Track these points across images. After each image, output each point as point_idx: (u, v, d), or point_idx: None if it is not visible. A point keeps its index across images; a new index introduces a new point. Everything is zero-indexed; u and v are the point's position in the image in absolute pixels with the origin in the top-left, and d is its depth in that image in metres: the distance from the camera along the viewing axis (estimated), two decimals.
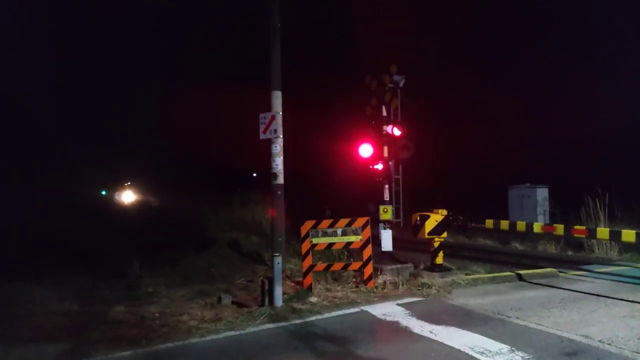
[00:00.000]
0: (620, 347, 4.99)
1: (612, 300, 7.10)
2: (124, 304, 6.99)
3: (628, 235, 7.10)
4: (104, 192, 53.93)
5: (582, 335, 5.38)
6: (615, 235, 7.53)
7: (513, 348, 4.99)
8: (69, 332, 5.74)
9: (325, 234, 7.88)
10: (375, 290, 7.61)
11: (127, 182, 64.66)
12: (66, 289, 7.89)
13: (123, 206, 44.17)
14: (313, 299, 7.08)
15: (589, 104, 27.68)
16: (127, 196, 62.91)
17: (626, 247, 11.54)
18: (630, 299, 7.09)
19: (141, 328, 5.82)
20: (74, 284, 8.33)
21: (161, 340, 5.39)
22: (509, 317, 6.21)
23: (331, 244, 7.96)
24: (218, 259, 11.06)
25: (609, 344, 5.09)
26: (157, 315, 6.36)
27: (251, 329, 5.82)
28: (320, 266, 8.02)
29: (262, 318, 6.15)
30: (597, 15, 31.89)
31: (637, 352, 4.84)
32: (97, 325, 5.94)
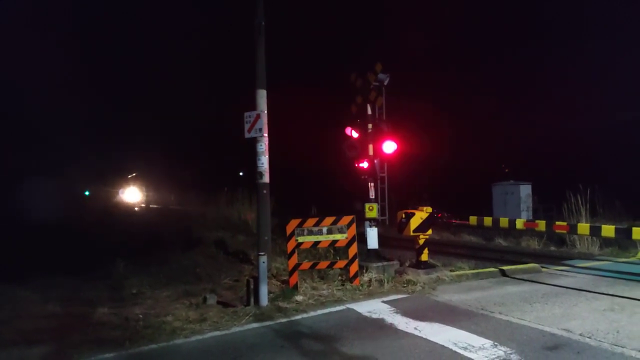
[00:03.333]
0: (599, 340, 5.09)
1: (592, 294, 7.24)
2: (107, 305, 6.92)
3: (608, 230, 7.23)
4: (87, 193, 51.55)
5: (563, 329, 5.48)
6: (595, 231, 7.66)
7: (496, 343, 5.07)
8: (52, 334, 5.66)
9: (310, 233, 7.89)
10: (360, 288, 7.65)
11: (131, 174, 55.88)
12: (50, 290, 7.79)
13: (116, 211, 34.59)
14: (299, 298, 7.09)
15: (573, 102, 28.15)
16: (132, 194, 53.00)
17: (607, 242, 11.77)
18: (610, 293, 7.23)
19: (125, 329, 5.76)
20: (58, 285, 8.22)
21: (145, 342, 5.35)
22: (492, 312, 6.29)
23: (317, 243, 7.98)
24: (204, 258, 11.02)
25: (589, 337, 5.19)
26: (141, 316, 6.31)
27: (236, 329, 5.81)
28: (306, 265, 8.04)
29: (247, 318, 6.15)
30: (583, 15, 32.39)
31: (616, 345, 4.95)
32: (80, 327, 5.88)
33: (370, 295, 7.33)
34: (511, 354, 4.77)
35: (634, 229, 6.90)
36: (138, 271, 9.10)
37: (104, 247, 11.88)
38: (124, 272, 8.91)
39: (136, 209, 40.33)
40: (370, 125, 9.35)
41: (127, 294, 7.66)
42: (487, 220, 8.96)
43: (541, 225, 8.35)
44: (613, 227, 7.31)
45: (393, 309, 6.55)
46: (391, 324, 5.88)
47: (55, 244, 12.50)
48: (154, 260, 10.38)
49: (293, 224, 7.85)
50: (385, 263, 8.81)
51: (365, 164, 9.32)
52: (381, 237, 9.31)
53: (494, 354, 4.77)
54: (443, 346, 5.01)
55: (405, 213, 8.73)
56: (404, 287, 7.78)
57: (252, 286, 6.75)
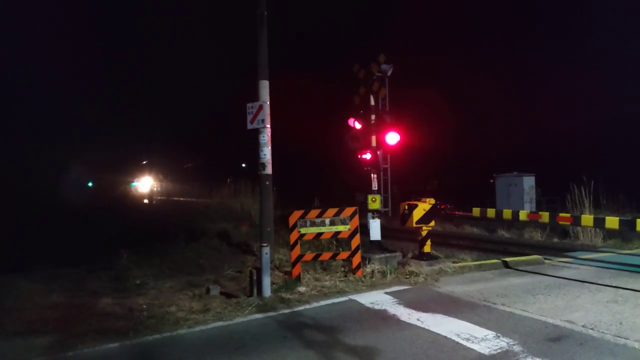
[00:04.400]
0: (602, 332, 5.09)
1: (596, 286, 7.23)
2: (111, 296, 6.96)
3: (611, 222, 7.21)
4: (90, 184, 50.85)
5: (566, 321, 5.48)
6: (599, 222, 7.63)
7: (498, 334, 5.07)
8: (56, 324, 5.70)
9: (313, 224, 7.88)
10: (363, 279, 7.66)
11: (144, 162, 50.03)
12: (54, 281, 7.84)
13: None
14: (301, 289, 7.11)
15: (577, 94, 27.96)
16: (147, 185, 46.64)
17: (610, 234, 11.75)
18: (613, 285, 7.22)
19: (129, 320, 5.79)
20: (62, 276, 8.28)
21: (149, 332, 5.38)
22: (495, 303, 6.30)
23: (319, 234, 7.97)
24: (207, 249, 11.05)
25: (591, 329, 5.19)
26: (144, 306, 6.33)
27: (239, 320, 5.83)
28: (309, 256, 8.04)
29: (250, 308, 6.17)
30: (590, 3, 32.05)
31: (618, 337, 4.94)
32: (85, 318, 5.91)
33: (372, 287, 7.34)
34: (514, 345, 4.77)
35: (637, 220, 6.87)
36: (141, 262, 9.14)
37: (108, 239, 11.93)
38: (127, 263, 8.94)
39: (147, 201, 37.30)
40: (373, 116, 9.30)
41: (131, 285, 7.69)
42: (491, 212, 8.95)
43: (544, 216, 8.33)
44: (617, 218, 7.28)
45: (396, 300, 6.56)
46: (394, 315, 5.90)
47: (57, 236, 12.55)
48: (158, 251, 10.42)
49: (296, 215, 7.84)
50: (387, 254, 8.81)
51: (368, 156, 9.28)
52: (384, 229, 9.29)
53: (497, 345, 4.77)
54: (446, 337, 5.02)
55: (408, 205, 8.72)
56: (407, 278, 7.79)
57: (255, 277, 6.76)
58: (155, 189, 46.02)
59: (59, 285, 7.62)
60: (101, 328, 5.51)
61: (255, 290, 6.73)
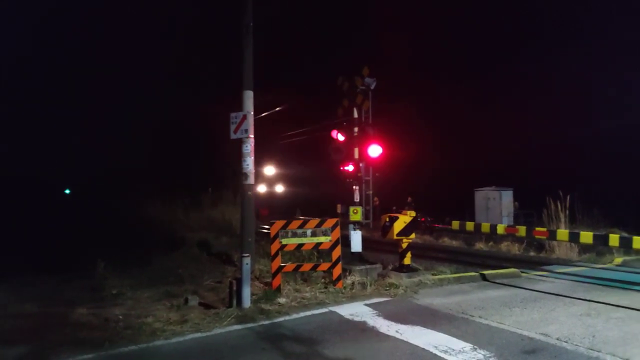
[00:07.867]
0: (576, 345, 5.20)
1: (570, 299, 7.38)
2: (87, 305, 6.83)
3: (586, 236, 7.41)
4: (67, 191, 48.83)
5: (541, 334, 5.58)
6: (574, 237, 7.83)
7: (475, 346, 5.13)
8: (30, 335, 5.58)
9: (295, 235, 7.89)
10: (343, 290, 7.68)
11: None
12: (28, 290, 7.69)
13: None
14: (281, 300, 7.09)
15: (555, 110, 28.68)
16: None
17: (585, 248, 11.99)
18: (587, 298, 7.38)
19: (104, 330, 5.70)
20: (36, 285, 8.12)
21: (125, 343, 5.29)
22: (473, 316, 6.37)
23: (301, 245, 7.98)
24: (187, 259, 10.93)
25: (565, 342, 5.29)
26: (121, 317, 6.23)
27: (218, 331, 5.78)
28: (290, 267, 8.03)
29: (229, 319, 6.12)
30: (561, 21, 33.02)
31: (592, 349, 5.05)
32: (59, 328, 5.79)
33: (352, 298, 7.36)
34: (490, 357, 4.84)
35: (610, 235, 7.10)
36: (119, 272, 8.99)
37: (85, 247, 11.72)
38: (104, 272, 8.78)
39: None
40: (356, 129, 9.40)
41: (108, 295, 7.56)
42: (469, 225, 9.10)
43: (521, 230, 8.51)
44: (591, 233, 7.49)
45: (375, 312, 6.59)
46: (373, 326, 5.92)
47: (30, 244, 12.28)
48: (136, 260, 10.27)
49: (277, 225, 7.84)
50: (368, 266, 8.84)
51: (350, 167, 9.36)
52: (365, 241, 9.34)
53: (474, 357, 4.83)
54: (424, 349, 5.06)
55: (389, 217, 8.79)
56: (387, 290, 7.83)
57: (234, 288, 6.72)
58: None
59: (34, 294, 7.47)
60: (76, 338, 5.41)
61: (234, 301, 6.68)
